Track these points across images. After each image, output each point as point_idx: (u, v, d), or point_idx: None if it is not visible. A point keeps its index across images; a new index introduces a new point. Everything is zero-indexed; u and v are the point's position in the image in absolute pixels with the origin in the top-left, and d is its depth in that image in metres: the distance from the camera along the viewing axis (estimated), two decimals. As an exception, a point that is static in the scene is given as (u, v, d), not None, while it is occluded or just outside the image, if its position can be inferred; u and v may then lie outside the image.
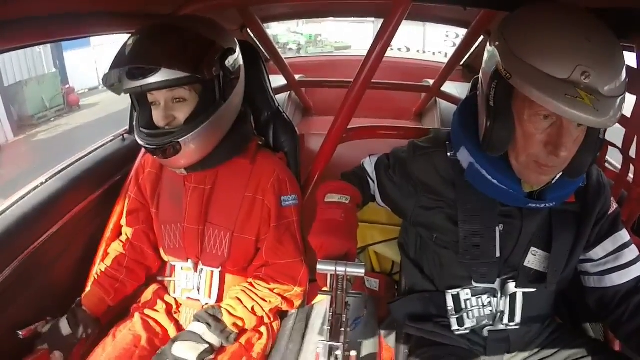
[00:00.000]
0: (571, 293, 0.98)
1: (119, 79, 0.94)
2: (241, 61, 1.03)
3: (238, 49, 1.02)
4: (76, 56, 9.78)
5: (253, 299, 1.01)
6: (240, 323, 0.99)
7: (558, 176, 0.78)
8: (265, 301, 1.02)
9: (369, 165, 1.03)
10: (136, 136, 0.97)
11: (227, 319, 0.98)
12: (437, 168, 0.89)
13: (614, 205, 0.88)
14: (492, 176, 0.78)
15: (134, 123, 1.00)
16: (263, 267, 1.07)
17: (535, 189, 0.80)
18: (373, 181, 1.01)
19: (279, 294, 1.04)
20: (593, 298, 0.89)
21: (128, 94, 0.97)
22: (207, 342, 0.94)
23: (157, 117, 0.94)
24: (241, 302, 1.00)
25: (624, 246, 0.86)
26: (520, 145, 0.73)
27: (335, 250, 0.82)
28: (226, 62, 0.95)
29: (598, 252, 0.87)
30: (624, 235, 0.87)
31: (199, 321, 0.96)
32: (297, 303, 1.09)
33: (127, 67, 0.90)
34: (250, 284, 1.04)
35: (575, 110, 0.62)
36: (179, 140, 0.91)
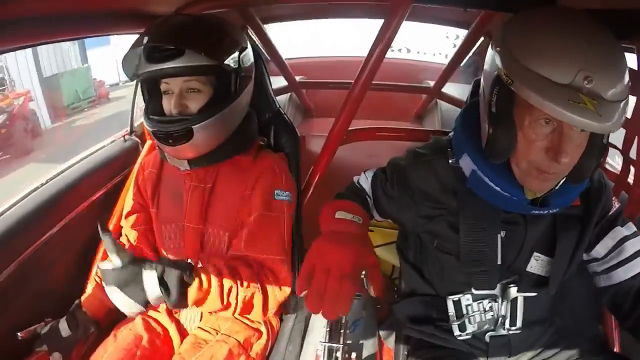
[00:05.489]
0: (571, 294, 0.98)
1: (137, 63, 0.93)
2: (252, 59, 1.04)
3: (250, 47, 1.03)
4: (97, 54, 10.26)
5: (234, 280, 0.89)
6: (202, 295, 0.85)
7: (562, 182, 0.77)
8: (242, 286, 0.90)
9: (365, 182, 0.99)
10: (145, 124, 0.96)
11: (192, 293, 0.83)
12: (439, 175, 0.87)
13: (616, 204, 0.87)
14: (495, 183, 0.77)
15: (143, 111, 0.99)
16: (245, 266, 0.94)
17: (538, 195, 0.79)
18: (370, 198, 0.98)
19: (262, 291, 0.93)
20: (607, 299, 0.86)
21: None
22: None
23: (169, 105, 0.93)
24: (220, 280, 0.87)
25: (624, 239, 0.84)
26: (521, 152, 0.72)
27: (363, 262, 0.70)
28: (243, 59, 0.96)
29: (599, 250, 0.86)
30: (623, 230, 0.85)
31: (162, 283, 0.78)
32: (280, 298, 0.97)
33: (149, 46, 0.89)
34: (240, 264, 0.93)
35: (578, 116, 0.61)
36: (193, 126, 0.91)
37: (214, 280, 0.86)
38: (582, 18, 0.68)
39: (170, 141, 0.93)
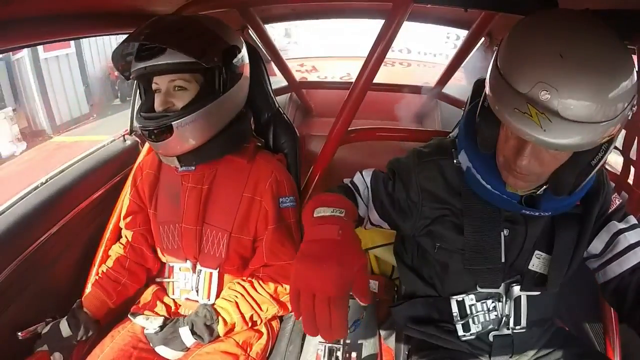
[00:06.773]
0: (572, 293, 0.98)
1: (126, 62, 0.97)
2: (247, 60, 1.06)
3: (244, 48, 1.05)
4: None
5: (252, 307, 1.03)
6: (230, 327, 1.02)
7: (544, 188, 0.77)
8: (262, 310, 1.04)
9: (361, 182, 0.92)
10: (135, 121, 1.00)
11: (221, 329, 1.00)
12: (445, 175, 0.86)
13: (617, 202, 0.86)
14: (483, 178, 0.78)
15: (136, 109, 1.02)
16: (262, 267, 1.07)
17: (521, 194, 0.79)
18: (366, 204, 0.91)
19: (275, 299, 1.05)
20: (608, 297, 0.85)
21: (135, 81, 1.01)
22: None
23: (157, 102, 0.96)
24: (239, 309, 1.02)
25: (619, 232, 0.83)
26: (499, 146, 0.75)
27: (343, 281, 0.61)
28: (230, 58, 0.98)
29: (596, 245, 0.85)
30: (619, 224, 0.84)
31: (194, 333, 0.99)
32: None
33: (138, 46, 0.93)
34: (251, 284, 1.04)
35: (519, 125, 0.61)
36: (172, 122, 0.93)
37: (235, 315, 1.01)
38: (575, 24, 0.64)
39: (153, 137, 0.96)
